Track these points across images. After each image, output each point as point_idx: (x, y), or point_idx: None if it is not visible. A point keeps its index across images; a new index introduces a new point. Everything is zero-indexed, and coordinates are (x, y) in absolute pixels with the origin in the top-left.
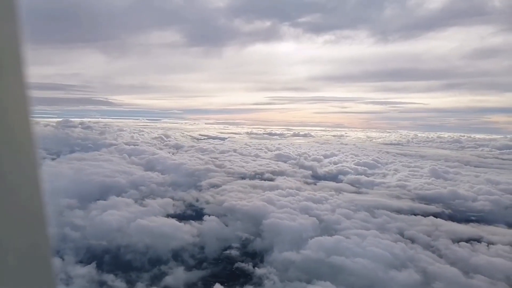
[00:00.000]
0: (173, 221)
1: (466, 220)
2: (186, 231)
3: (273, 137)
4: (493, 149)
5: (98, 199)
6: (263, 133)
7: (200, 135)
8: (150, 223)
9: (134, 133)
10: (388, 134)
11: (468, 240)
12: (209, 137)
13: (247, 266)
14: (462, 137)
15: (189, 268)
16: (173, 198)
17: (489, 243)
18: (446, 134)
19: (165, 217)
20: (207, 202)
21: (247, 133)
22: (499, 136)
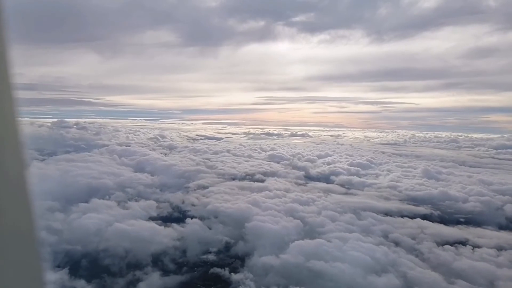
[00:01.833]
0: (153, 224)
1: (455, 222)
2: (166, 235)
3: (271, 137)
4: (490, 149)
5: (82, 202)
6: (261, 133)
7: (197, 135)
8: (128, 227)
9: (129, 133)
10: (386, 134)
11: (453, 243)
12: (206, 138)
13: (223, 271)
14: (460, 137)
15: (166, 273)
16: (158, 200)
17: (475, 246)
18: (444, 134)
19: (148, 220)
20: (193, 204)
21: (244, 133)
22: (496, 136)
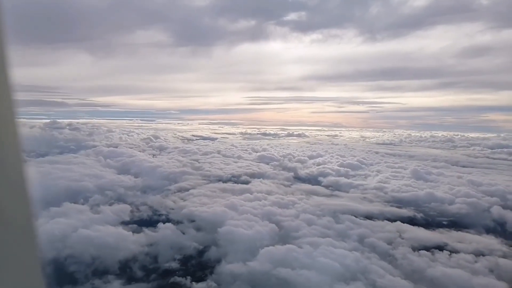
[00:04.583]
0: (121, 230)
1: (436, 225)
2: (134, 241)
3: (267, 137)
4: (485, 148)
5: (56, 205)
6: (257, 133)
7: (192, 135)
8: (93, 232)
9: (123, 134)
10: (382, 134)
11: (430, 248)
12: (201, 138)
13: (185, 280)
14: (456, 136)
15: (128, 281)
16: (135, 204)
17: (452, 251)
18: (440, 133)
19: (118, 225)
20: (171, 208)
21: (241, 133)
22: (493, 135)
